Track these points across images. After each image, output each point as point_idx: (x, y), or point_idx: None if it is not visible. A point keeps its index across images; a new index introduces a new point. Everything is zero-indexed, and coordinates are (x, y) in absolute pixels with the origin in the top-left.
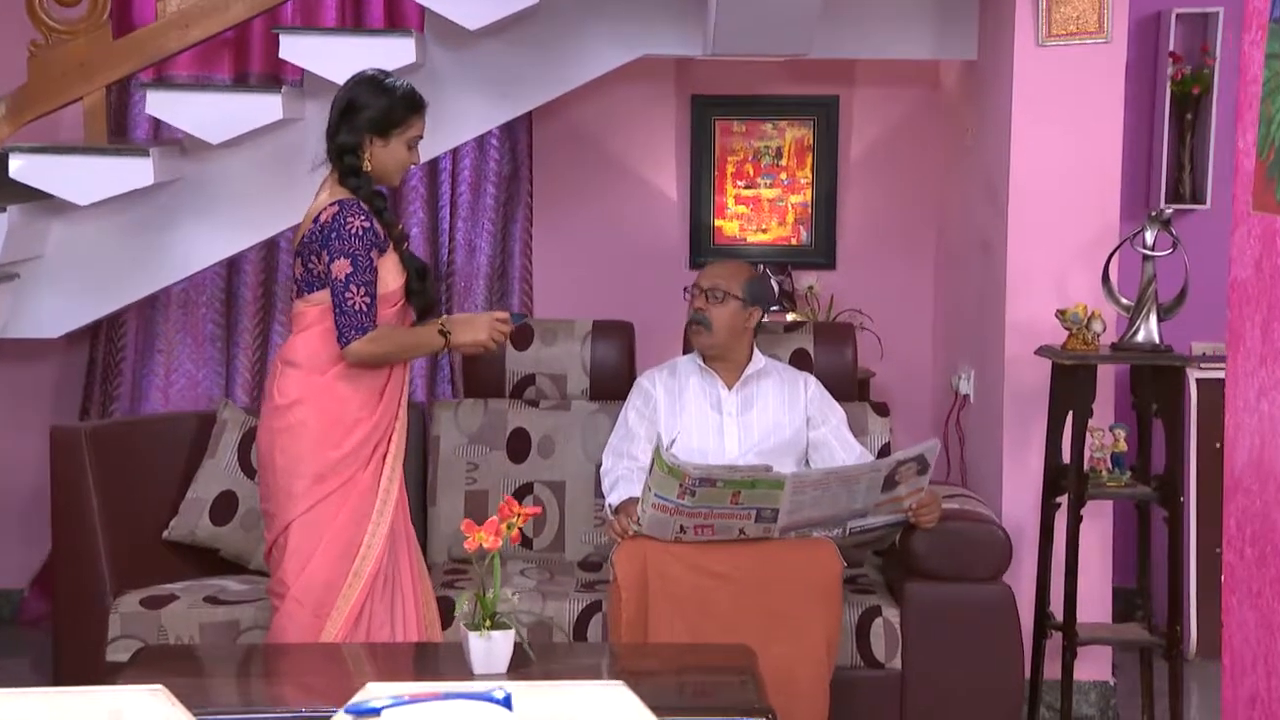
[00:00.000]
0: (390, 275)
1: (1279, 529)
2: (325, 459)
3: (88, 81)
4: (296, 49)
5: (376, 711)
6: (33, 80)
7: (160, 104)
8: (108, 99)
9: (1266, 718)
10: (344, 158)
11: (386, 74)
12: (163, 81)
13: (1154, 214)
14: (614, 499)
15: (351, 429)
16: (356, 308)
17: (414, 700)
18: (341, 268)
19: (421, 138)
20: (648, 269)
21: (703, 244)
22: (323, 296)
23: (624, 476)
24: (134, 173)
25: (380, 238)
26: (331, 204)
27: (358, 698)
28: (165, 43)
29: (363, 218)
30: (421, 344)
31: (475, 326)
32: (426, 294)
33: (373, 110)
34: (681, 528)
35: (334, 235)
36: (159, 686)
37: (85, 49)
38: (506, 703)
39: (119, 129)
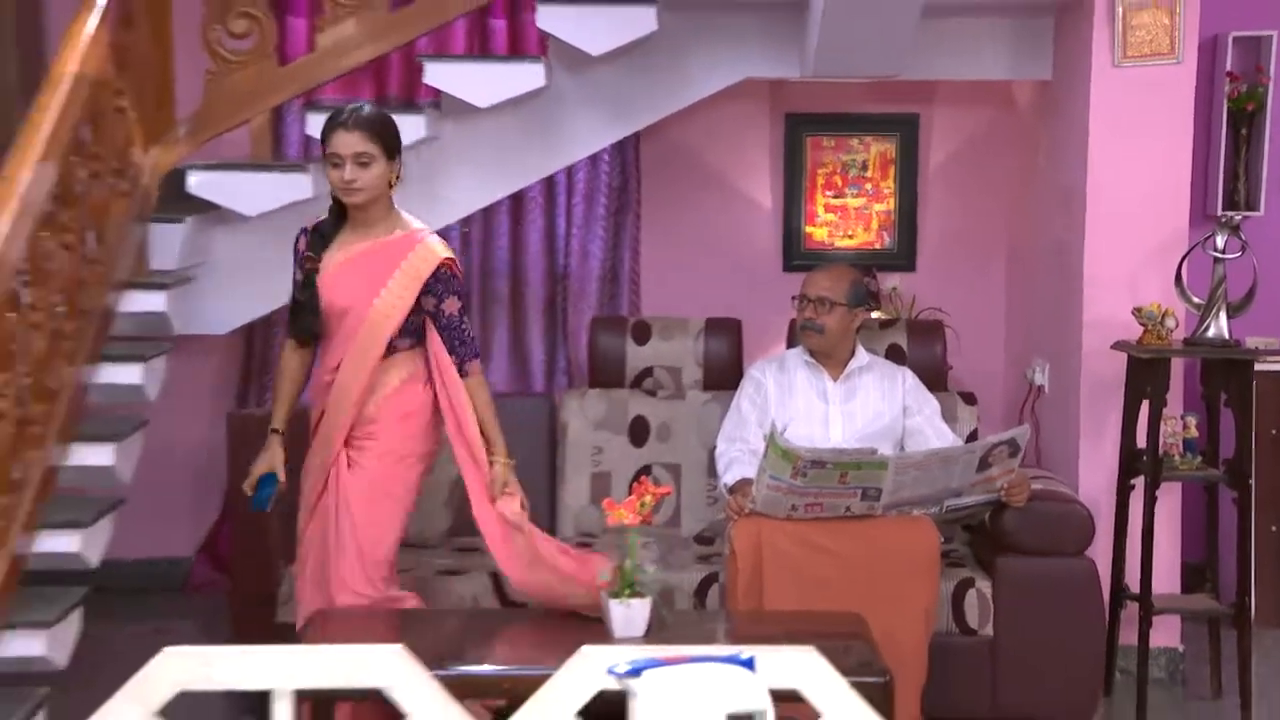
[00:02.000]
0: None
1: None
2: None
3: (256, 105)
4: (438, 75)
5: (637, 672)
6: (208, 104)
7: (318, 124)
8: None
9: None
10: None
11: (334, 106)
12: (315, 105)
13: (1224, 220)
14: (729, 479)
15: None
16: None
17: (668, 663)
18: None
19: (338, 155)
20: (745, 271)
21: (795, 249)
22: None
23: (737, 459)
24: (295, 187)
25: (300, 255)
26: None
27: (579, 661)
28: (321, 71)
29: (297, 236)
30: (274, 395)
31: (258, 460)
32: (294, 317)
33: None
34: (793, 506)
35: None
36: (399, 646)
37: (254, 77)
38: (750, 664)
39: (275, 147)
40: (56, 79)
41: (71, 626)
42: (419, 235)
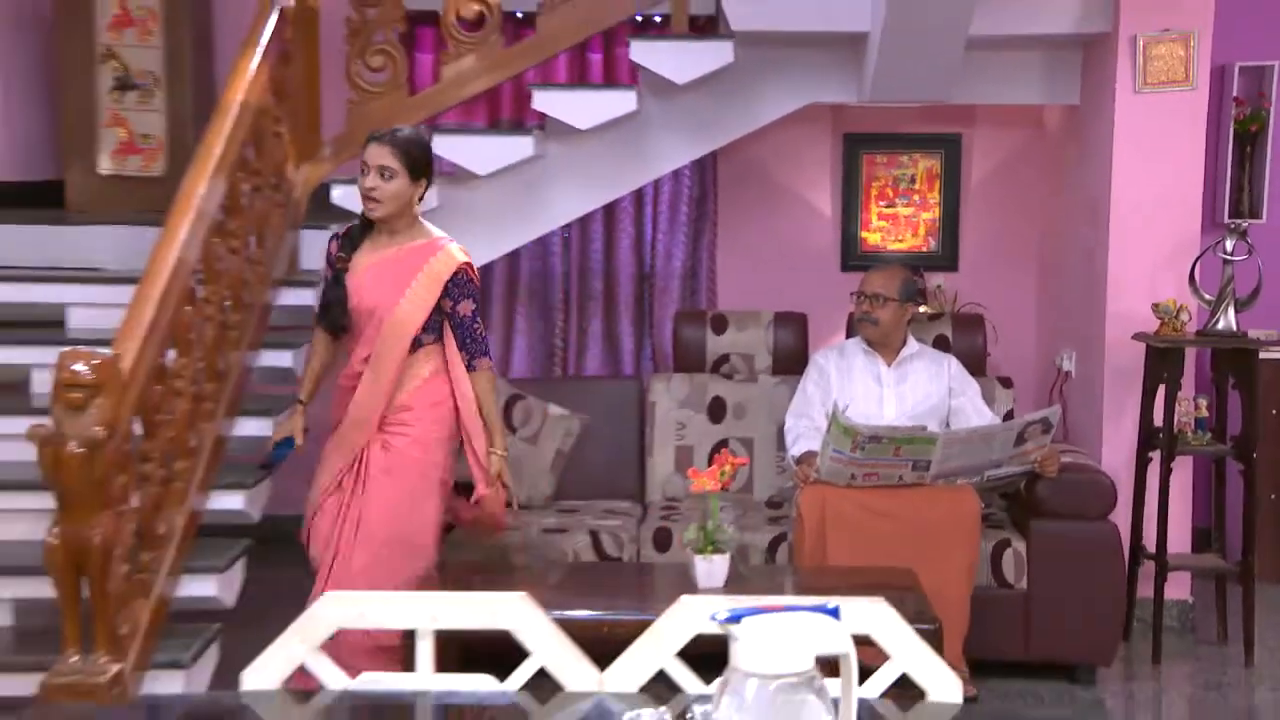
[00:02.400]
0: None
1: None
2: None
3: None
4: (545, 101)
5: (738, 619)
6: (349, 128)
7: (441, 145)
8: None
9: None
10: None
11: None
12: (439, 128)
13: (1233, 226)
14: (795, 452)
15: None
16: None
17: (764, 611)
18: None
19: (365, 163)
20: (807, 270)
21: (851, 251)
22: None
23: (803, 434)
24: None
25: (329, 256)
26: None
27: (679, 609)
28: (444, 99)
29: (327, 240)
30: (306, 373)
31: (281, 424)
32: (324, 319)
33: None
34: (853, 475)
35: None
36: (523, 594)
37: (388, 105)
38: (835, 613)
39: None
40: (226, 107)
41: (238, 572)
42: (440, 242)
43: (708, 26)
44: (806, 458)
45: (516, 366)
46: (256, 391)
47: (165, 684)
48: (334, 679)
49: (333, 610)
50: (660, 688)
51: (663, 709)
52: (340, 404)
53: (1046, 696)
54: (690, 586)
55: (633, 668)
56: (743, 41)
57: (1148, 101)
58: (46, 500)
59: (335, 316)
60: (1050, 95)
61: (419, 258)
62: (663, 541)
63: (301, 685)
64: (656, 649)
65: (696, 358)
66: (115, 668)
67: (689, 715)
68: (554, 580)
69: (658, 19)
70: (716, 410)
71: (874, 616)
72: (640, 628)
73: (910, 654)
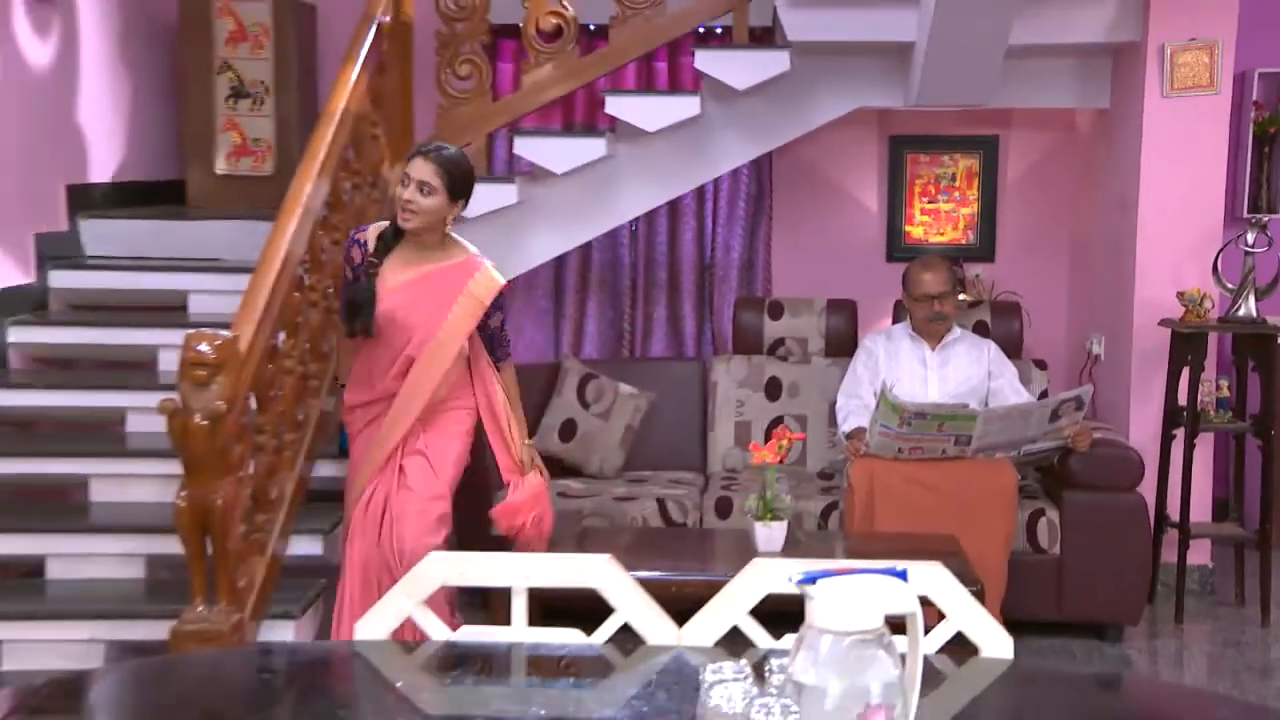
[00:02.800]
0: None
1: None
2: None
3: (475, 132)
4: (616, 106)
5: (813, 580)
6: (439, 131)
7: (521, 146)
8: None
9: None
10: None
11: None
12: (519, 131)
13: (1254, 221)
14: (846, 428)
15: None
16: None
17: (837, 573)
18: None
19: (406, 175)
20: (855, 261)
21: (896, 244)
22: None
23: (853, 411)
24: (502, 195)
25: (349, 259)
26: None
27: (751, 570)
28: (524, 105)
29: (348, 242)
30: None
31: None
32: (347, 315)
33: None
34: (900, 449)
35: None
36: (608, 555)
37: (473, 110)
38: (903, 576)
39: (488, 164)
40: (330, 113)
41: (339, 534)
42: (477, 261)
43: (764, 37)
44: (856, 433)
45: (588, 348)
46: None
47: (278, 633)
48: (437, 631)
49: (437, 568)
50: (734, 642)
51: (742, 662)
52: (356, 423)
53: (1078, 653)
54: (750, 550)
55: (708, 624)
56: (798, 51)
57: (1174, 105)
58: (173, 466)
59: (366, 322)
60: (1081, 100)
61: (458, 278)
62: (724, 509)
63: (408, 637)
64: (730, 607)
65: (754, 341)
66: (236, 617)
67: (767, 668)
68: (624, 543)
69: (718, 30)
70: (773, 389)
71: (932, 579)
72: (705, 587)
73: (965, 614)
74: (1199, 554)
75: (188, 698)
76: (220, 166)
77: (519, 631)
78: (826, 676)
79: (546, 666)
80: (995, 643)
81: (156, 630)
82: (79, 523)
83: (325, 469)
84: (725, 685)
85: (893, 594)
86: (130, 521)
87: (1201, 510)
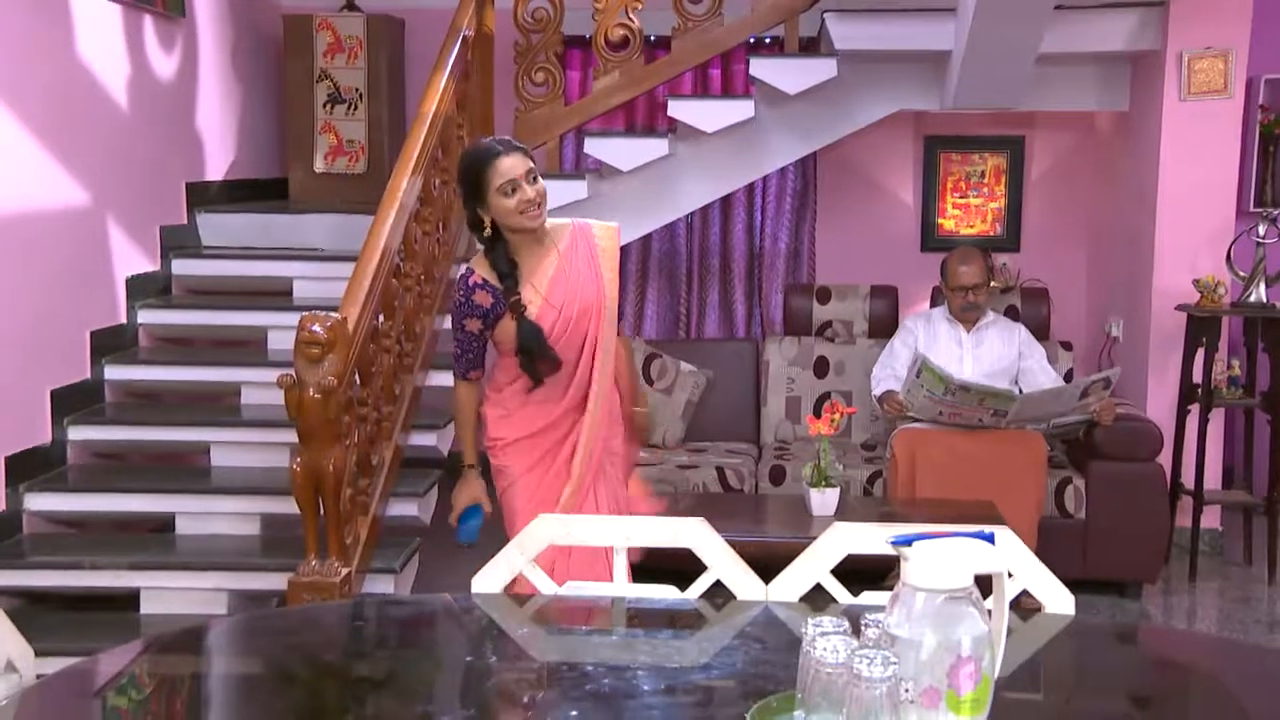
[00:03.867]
0: (505, 338)
1: None
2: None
3: (548, 133)
4: (678, 109)
5: (909, 542)
6: (517, 131)
7: (591, 146)
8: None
9: None
10: (474, 234)
11: (472, 147)
12: (587, 132)
13: (1265, 214)
14: (878, 392)
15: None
16: (454, 356)
17: (931, 536)
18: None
19: (514, 179)
20: (892, 251)
21: (930, 235)
22: None
23: (884, 379)
24: (574, 190)
25: (476, 308)
26: (460, 271)
27: (832, 532)
28: (594, 108)
29: (461, 292)
30: (458, 436)
31: (457, 500)
32: (531, 364)
33: (462, 190)
34: (940, 412)
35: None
36: (701, 518)
37: (547, 113)
38: (991, 539)
39: (560, 162)
40: (423, 116)
41: (432, 497)
42: (581, 223)
43: (809, 46)
44: (887, 396)
45: (647, 329)
46: (442, 351)
47: (380, 585)
48: (546, 586)
49: (545, 528)
50: (816, 598)
51: (840, 618)
52: (517, 466)
53: (1101, 608)
54: (804, 514)
55: (793, 581)
56: (844, 59)
57: (1191, 108)
58: (284, 435)
59: (548, 354)
60: (1101, 103)
61: (583, 245)
62: (777, 477)
63: (520, 590)
64: (814, 565)
65: (804, 323)
66: (344, 570)
67: (864, 623)
68: (687, 507)
69: (767, 40)
70: (821, 367)
71: (1001, 542)
72: (764, 548)
73: (1031, 574)
74: (1210, 519)
75: (327, 641)
76: (319, 165)
77: (621, 587)
78: (921, 630)
79: (646, 619)
80: (1058, 600)
81: (272, 581)
82: (203, 484)
83: (419, 438)
84: (828, 638)
85: (981, 555)
86: (247, 484)
87: (1213, 479)
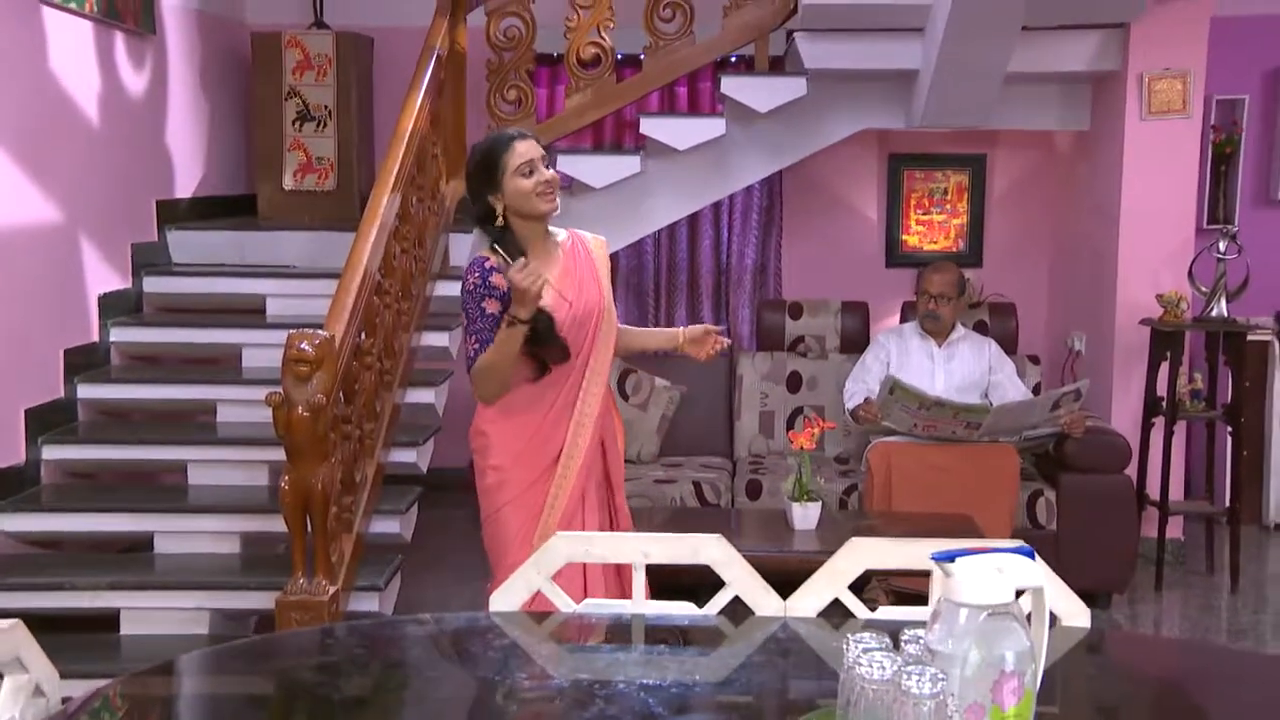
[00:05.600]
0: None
1: None
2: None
3: None
4: (650, 126)
5: (951, 558)
6: None
7: (563, 164)
8: None
9: None
10: (483, 227)
11: (487, 137)
12: (560, 149)
13: (1225, 230)
14: (850, 405)
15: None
16: (468, 354)
17: (972, 552)
18: (462, 320)
19: (532, 160)
20: (857, 266)
21: (894, 251)
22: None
23: (858, 392)
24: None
25: (494, 289)
26: (472, 259)
27: (849, 548)
28: (566, 126)
29: (477, 274)
30: (507, 340)
31: (518, 296)
32: (541, 348)
33: (473, 178)
34: (914, 424)
35: (461, 290)
36: (718, 535)
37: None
38: (1030, 554)
39: None
40: (400, 134)
41: (413, 513)
42: (573, 232)
43: (776, 65)
44: (862, 406)
45: None
46: (419, 367)
47: (365, 603)
48: (564, 603)
49: (563, 546)
50: (833, 613)
51: (881, 635)
52: (514, 485)
53: None
54: (785, 528)
55: (811, 597)
56: (813, 78)
57: (1151, 127)
58: (261, 453)
59: (559, 350)
60: (1064, 122)
61: (580, 245)
62: (753, 491)
63: (538, 609)
64: (831, 581)
65: (776, 338)
66: (332, 589)
67: (903, 639)
68: (663, 522)
69: (734, 59)
70: (793, 382)
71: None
72: (752, 561)
73: (1048, 587)
74: (1172, 529)
75: (350, 660)
76: (288, 182)
77: (639, 604)
78: (965, 646)
79: (665, 635)
80: (1074, 613)
81: (253, 600)
82: (181, 503)
83: (399, 454)
84: (871, 654)
85: (1022, 570)
86: (225, 502)
87: (1176, 490)
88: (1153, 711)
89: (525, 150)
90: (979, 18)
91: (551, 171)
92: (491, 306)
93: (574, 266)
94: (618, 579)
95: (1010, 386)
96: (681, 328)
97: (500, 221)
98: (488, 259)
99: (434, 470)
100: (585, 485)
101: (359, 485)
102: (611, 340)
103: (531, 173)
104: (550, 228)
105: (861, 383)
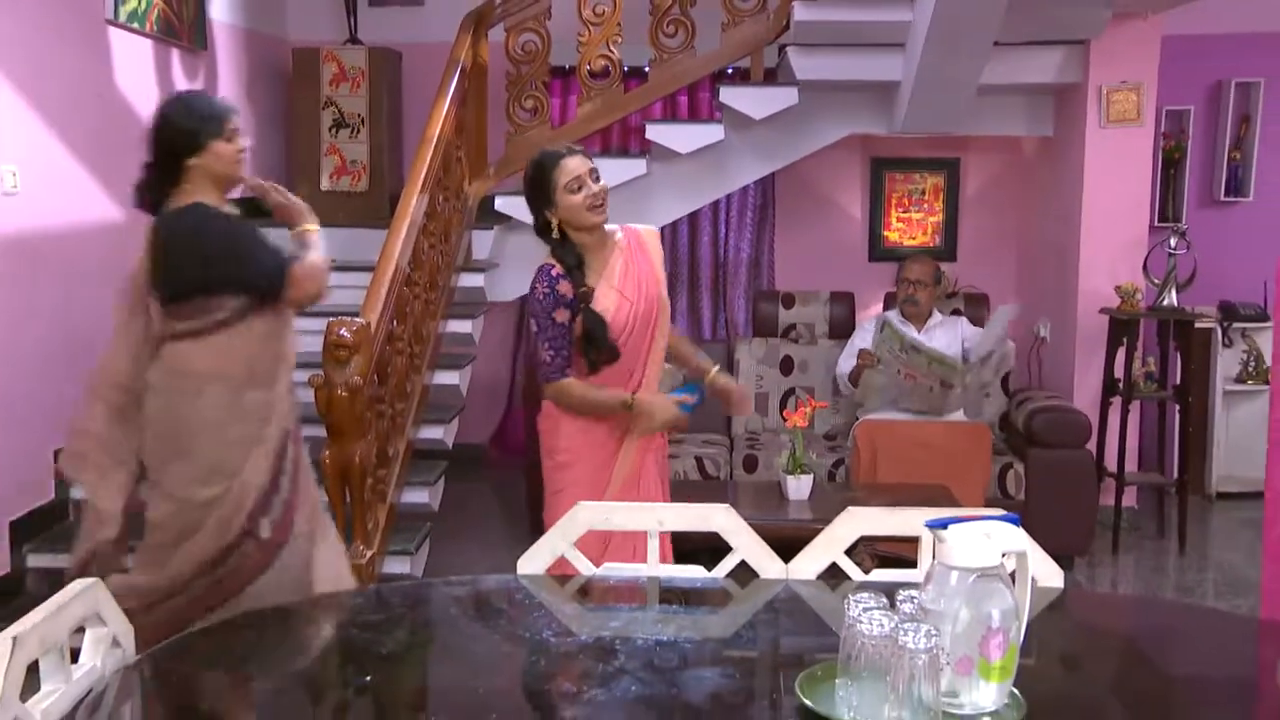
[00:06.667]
0: (576, 328)
1: None
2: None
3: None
4: (655, 132)
5: (945, 525)
6: (507, 154)
7: None
8: None
9: None
10: (542, 237)
11: (538, 154)
12: None
13: (1175, 228)
14: (847, 368)
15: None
16: (543, 359)
17: (963, 519)
18: (532, 326)
19: (580, 175)
20: (843, 259)
21: (877, 246)
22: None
23: (852, 368)
24: None
25: (562, 298)
26: (540, 267)
27: (845, 517)
28: (579, 132)
29: (545, 283)
30: (603, 406)
31: (655, 413)
32: (594, 352)
33: (529, 195)
34: (899, 370)
35: (529, 298)
36: (727, 505)
37: (536, 136)
38: (1016, 520)
39: None
40: (428, 139)
41: (440, 485)
42: (625, 226)
43: (769, 76)
44: (862, 354)
45: None
46: (445, 352)
47: (398, 566)
48: (585, 567)
49: (585, 515)
50: (830, 576)
51: (879, 595)
52: (576, 469)
53: None
54: (779, 498)
55: (811, 561)
56: (804, 88)
57: (1109, 135)
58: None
59: (606, 343)
60: (1030, 129)
61: (635, 241)
62: (750, 465)
63: (561, 571)
64: (829, 546)
65: (770, 326)
66: (369, 553)
67: (899, 598)
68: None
69: (730, 71)
70: (786, 366)
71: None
72: (756, 528)
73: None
74: (1127, 498)
75: (392, 620)
76: (324, 184)
77: (654, 568)
78: (955, 605)
79: (678, 596)
80: (1049, 574)
81: None
82: None
83: (427, 431)
84: (871, 613)
85: (1008, 536)
86: None
87: (1131, 463)
88: (1112, 660)
89: (573, 167)
90: (955, 35)
91: (599, 184)
92: (561, 316)
93: (633, 264)
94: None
95: (978, 340)
96: (716, 369)
97: (556, 235)
98: (554, 266)
99: (458, 445)
100: (644, 463)
101: (392, 459)
102: (667, 328)
103: (580, 188)
104: (605, 226)
105: (851, 359)
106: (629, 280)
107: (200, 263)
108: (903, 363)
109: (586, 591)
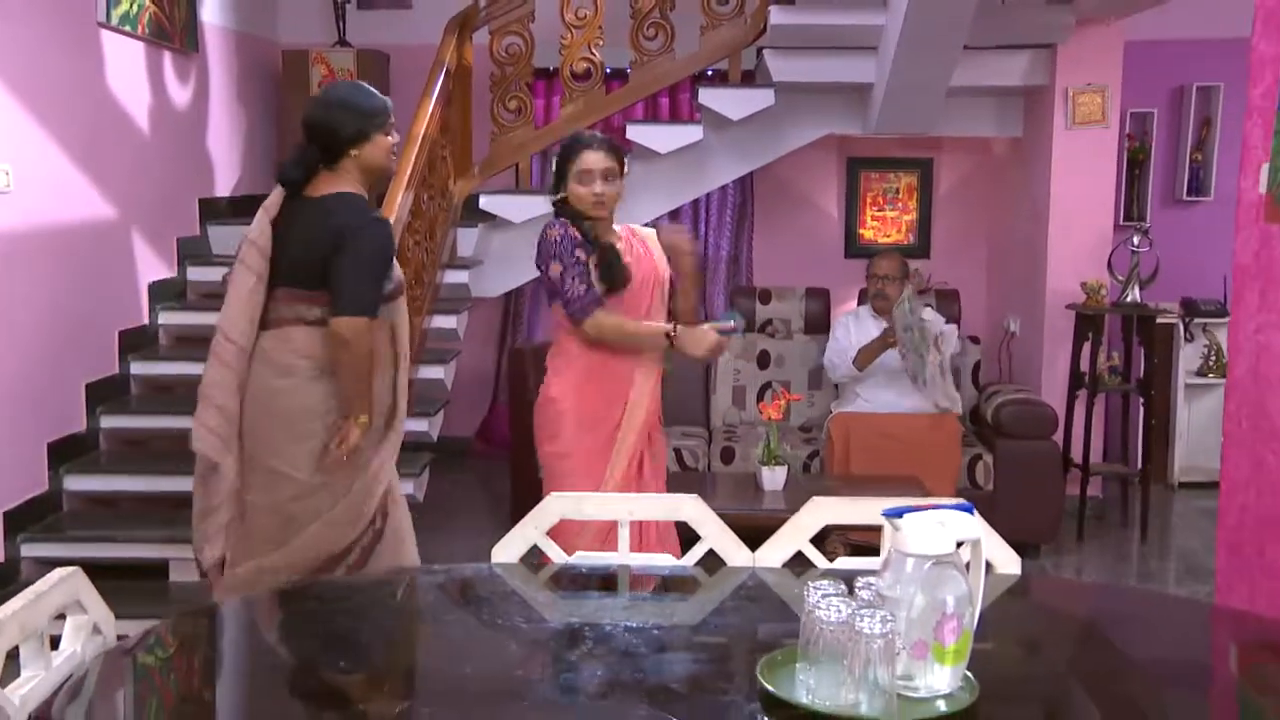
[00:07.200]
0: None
1: (1264, 409)
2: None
3: (520, 154)
4: (635, 133)
5: (900, 514)
6: (492, 153)
7: None
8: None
9: (1253, 520)
10: (555, 206)
11: (574, 134)
12: (548, 154)
13: (1138, 226)
14: (853, 354)
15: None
16: (576, 294)
17: (918, 509)
18: (555, 269)
19: (591, 171)
20: (819, 256)
21: (852, 244)
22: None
23: (840, 362)
24: (544, 205)
25: (576, 239)
26: (547, 224)
27: (811, 506)
28: (561, 132)
29: (558, 229)
30: (642, 336)
31: (699, 342)
32: (609, 276)
33: (555, 168)
34: (907, 327)
35: (542, 247)
36: (695, 495)
37: (520, 136)
38: (970, 509)
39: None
40: (413, 138)
41: (425, 476)
42: (632, 229)
43: (747, 78)
44: (879, 339)
45: None
46: (431, 347)
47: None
48: (558, 556)
49: (557, 505)
50: (796, 564)
51: (836, 582)
52: (575, 423)
53: None
54: (755, 489)
55: (777, 549)
56: (780, 89)
57: (1075, 136)
58: None
59: (621, 270)
60: (999, 130)
61: (633, 235)
62: (728, 457)
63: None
64: (795, 535)
65: (747, 321)
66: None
67: (858, 585)
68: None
69: (709, 73)
70: (763, 359)
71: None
72: (725, 517)
73: (984, 539)
74: (1092, 488)
75: (364, 607)
76: None
77: (624, 556)
78: (911, 591)
79: (647, 583)
80: (1006, 561)
81: None
82: None
83: (412, 424)
84: (829, 599)
85: (961, 524)
86: None
87: (1096, 454)
88: (1067, 644)
89: (589, 161)
90: (926, 38)
91: (611, 187)
92: (582, 254)
93: (630, 249)
94: (655, 535)
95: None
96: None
97: (567, 205)
98: (563, 219)
99: (443, 438)
100: (641, 452)
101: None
102: (664, 313)
103: (588, 183)
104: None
105: (838, 353)
106: (628, 255)
107: (367, 269)
108: (910, 323)
109: (559, 580)
